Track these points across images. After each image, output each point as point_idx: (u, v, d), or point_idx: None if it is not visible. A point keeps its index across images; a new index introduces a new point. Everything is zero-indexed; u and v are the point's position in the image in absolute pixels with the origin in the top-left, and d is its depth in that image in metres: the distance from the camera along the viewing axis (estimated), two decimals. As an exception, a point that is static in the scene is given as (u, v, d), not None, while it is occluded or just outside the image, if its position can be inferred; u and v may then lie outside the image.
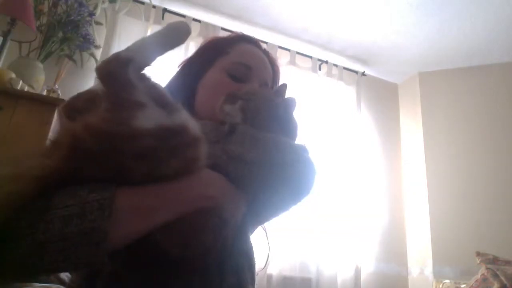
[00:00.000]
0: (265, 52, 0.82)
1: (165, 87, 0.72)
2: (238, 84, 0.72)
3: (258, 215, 0.62)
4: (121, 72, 0.45)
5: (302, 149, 0.59)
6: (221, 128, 0.59)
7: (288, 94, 0.68)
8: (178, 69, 0.83)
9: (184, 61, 0.83)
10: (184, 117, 0.48)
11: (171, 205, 0.46)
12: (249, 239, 0.64)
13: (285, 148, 0.57)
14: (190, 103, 0.74)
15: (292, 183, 0.56)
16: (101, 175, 0.42)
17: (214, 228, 0.49)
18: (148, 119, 0.44)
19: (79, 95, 0.56)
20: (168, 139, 0.45)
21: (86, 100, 0.55)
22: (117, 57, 0.46)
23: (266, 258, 0.77)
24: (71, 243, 0.38)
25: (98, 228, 0.39)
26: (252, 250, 0.65)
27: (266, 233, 0.77)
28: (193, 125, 0.49)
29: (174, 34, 0.54)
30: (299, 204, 0.60)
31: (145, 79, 0.48)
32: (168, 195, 0.46)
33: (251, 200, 0.54)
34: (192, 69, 0.78)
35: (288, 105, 0.63)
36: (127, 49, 0.48)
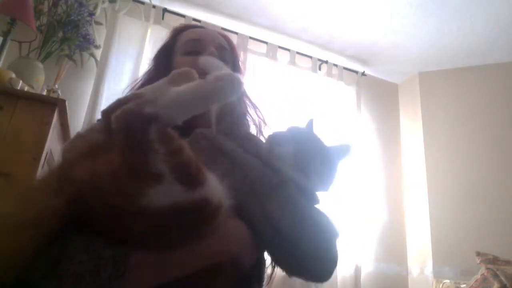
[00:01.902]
0: (212, 30, 0.89)
1: None
2: (196, 56, 0.72)
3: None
4: (141, 131, 0.39)
5: (335, 234, 0.58)
6: (270, 177, 0.56)
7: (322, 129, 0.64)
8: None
9: (148, 73, 0.86)
10: (208, 189, 0.43)
11: (187, 262, 0.45)
12: (262, 254, 0.64)
13: (322, 231, 0.56)
14: None
15: (312, 267, 0.55)
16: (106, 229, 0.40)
17: (224, 278, 0.48)
18: (162, 196, 0.39)
19: (121, 101, 0.47)
20: (182, 219, 0.41)
21: None
22: (140, 112, 0.39)
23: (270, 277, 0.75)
24: None
25: None
26: (264, 263, 0.65)
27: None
28: (218, 193, 0.44)
29: (218, 92, 0.44)
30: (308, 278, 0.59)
31: (170, 141, 0.41)
32: (185, 252, 0.44)
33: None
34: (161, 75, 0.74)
35: (342, 153, 0.60)
36: (155, 103, 0.40)
